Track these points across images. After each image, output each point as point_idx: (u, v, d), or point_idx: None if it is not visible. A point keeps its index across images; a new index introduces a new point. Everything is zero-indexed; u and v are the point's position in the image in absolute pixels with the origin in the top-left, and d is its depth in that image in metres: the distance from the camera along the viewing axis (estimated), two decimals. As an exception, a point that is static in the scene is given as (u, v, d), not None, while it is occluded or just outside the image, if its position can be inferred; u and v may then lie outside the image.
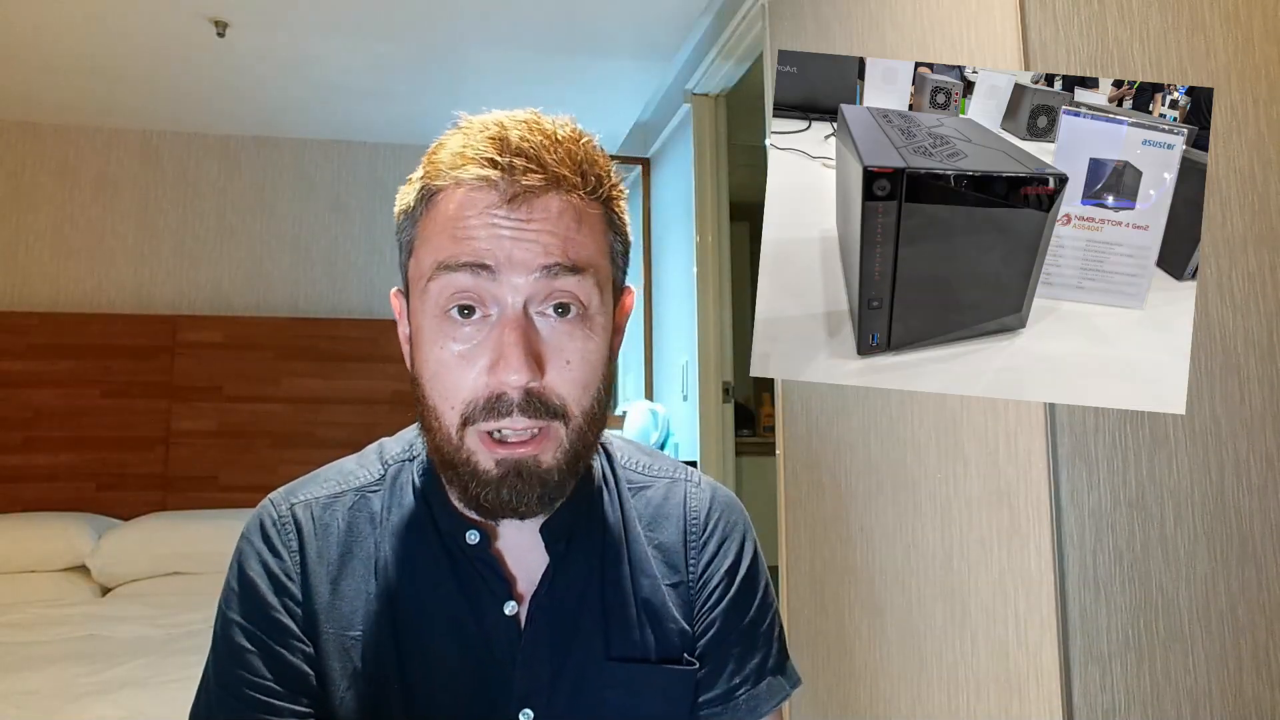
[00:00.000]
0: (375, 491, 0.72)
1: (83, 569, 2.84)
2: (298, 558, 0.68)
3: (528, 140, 0.61)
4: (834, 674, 1.73)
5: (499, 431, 0.61)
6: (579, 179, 0.62)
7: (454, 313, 0.61)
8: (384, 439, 0.78)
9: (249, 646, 0.65)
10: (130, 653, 2.12)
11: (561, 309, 0.61)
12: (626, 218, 0.69)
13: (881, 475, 1.58)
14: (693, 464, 2.90)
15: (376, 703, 0.66)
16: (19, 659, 2.05)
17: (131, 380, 3.28)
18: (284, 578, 0.67)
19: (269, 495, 0.72)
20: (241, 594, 0.68)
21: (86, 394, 3.23)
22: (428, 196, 0.63)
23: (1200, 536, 1.14)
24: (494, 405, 0.60)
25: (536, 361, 0.60)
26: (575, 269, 0.61)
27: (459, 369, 0.61)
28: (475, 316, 0.61)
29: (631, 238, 0.70)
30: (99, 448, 3.23)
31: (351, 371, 3.43)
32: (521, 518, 0.64)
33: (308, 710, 0.65)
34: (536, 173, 0.60)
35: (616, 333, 0.70)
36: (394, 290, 0.70)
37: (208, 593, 2.70)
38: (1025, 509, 1.17)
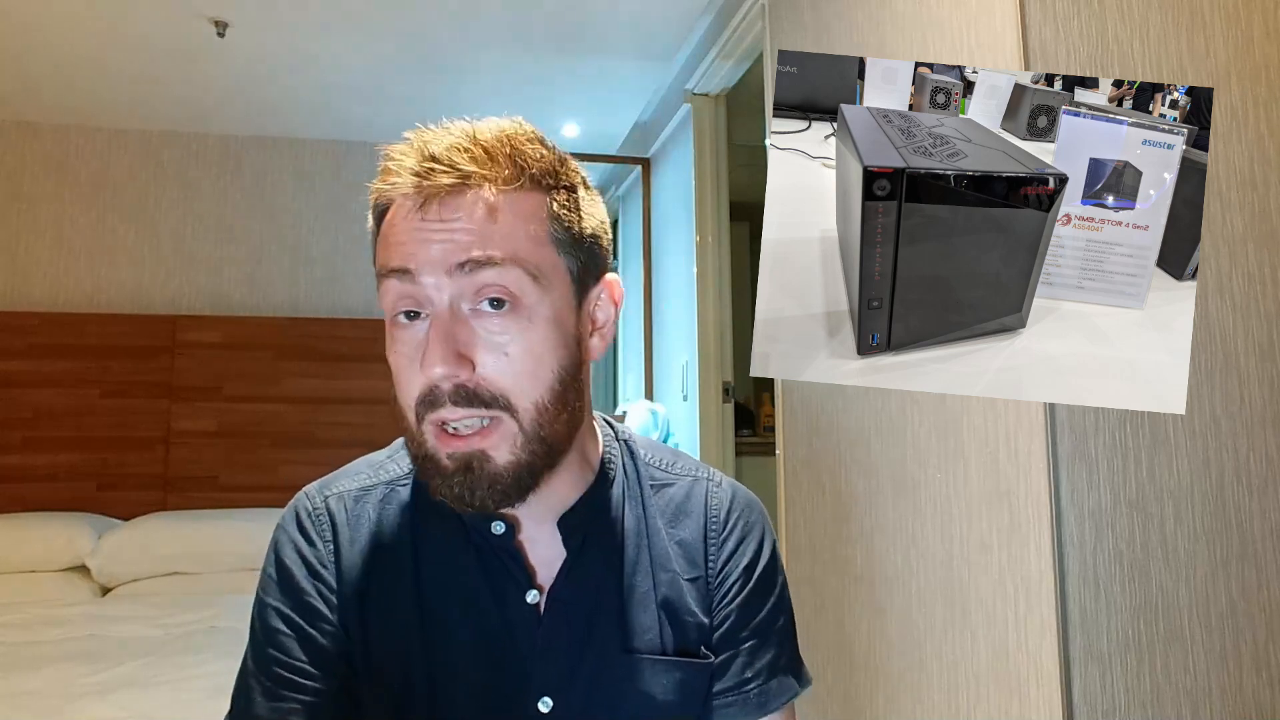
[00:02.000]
0: (404, 485, 0.74)
1: (83, 569, 2.84)
2: (331, 546, 0.71)
3: (441, 144, 0.63)
4: (834, 674, 1.73)
5: (447, 424, 0.63)
6: (496, 173, 0.63)
7: (400, 317, 0.64)
8: None
9: (284, 629, 0.68)
10: (130, 653, 2.12)
11: (496, 303, 0.62)
12: (578, 203, 0.68)
13: (881, 475, 1.58)
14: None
15: (403, 687, 0.68)
16: (19, 659, 2.05)
17: (131, 380, 3.28)
18: (318, 565, 0.70)
19: (304, 488, 0.75)
20: (278, 580, 0.70)
21: (86, 394, 3.23)
22: (377, 214, 0.67)
23: (1200, 536, 1.14)
24: (429, 398, 0.62)
25: (459, 356, 0.61)
26: (492, 262, 0.61)
27: (407, 369, 0.64)
28: (419, 318, 0.63)
29: (590, 224, 0.68)
30: (99, 448, 3.23)
31: (351, 371, 3.44)
32: (484, 511, 0.65)
33: (339, 690, 0.67)
34: (447, 173, 0.62)
35: (597, 327, 0.70)
36: None
37: (208, 593, 2.71)
38: (1025, 509, 1.17)
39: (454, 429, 0.63)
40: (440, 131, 0.65)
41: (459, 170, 0.62)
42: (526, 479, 0.64)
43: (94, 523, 2.94)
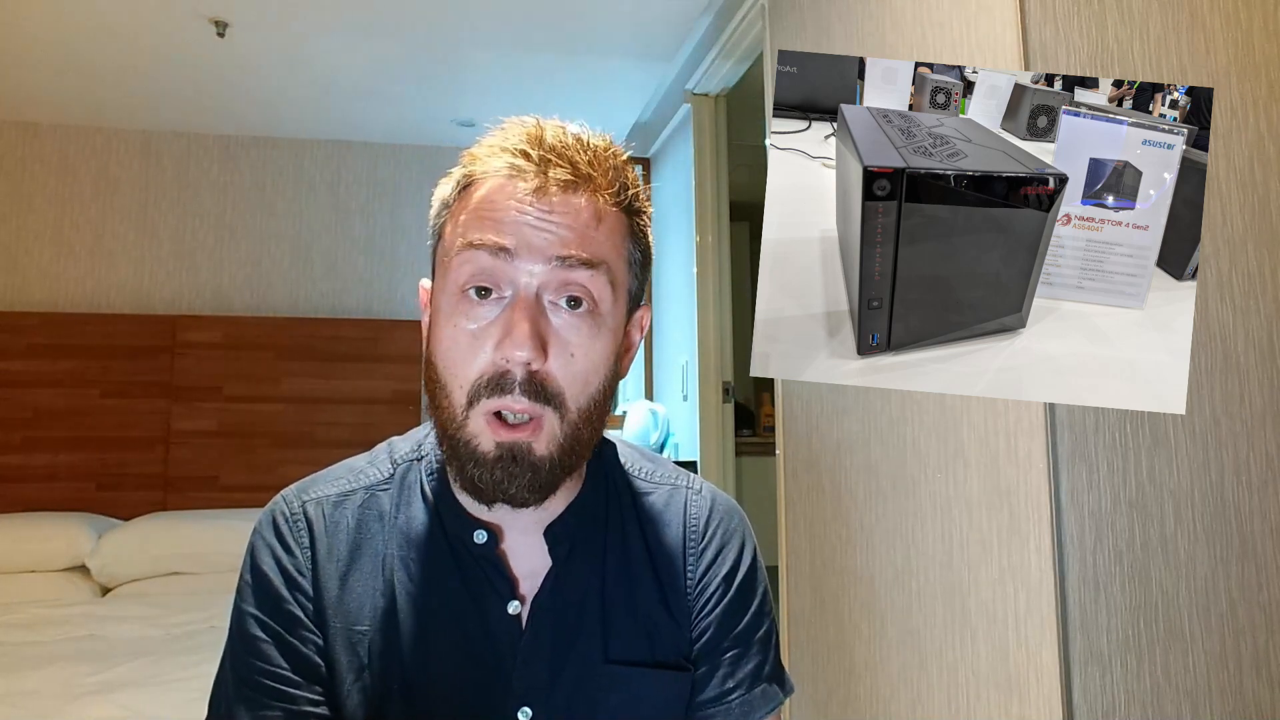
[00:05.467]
0: (385, 490, 0.73)
1: (83, 569, 2.84)
2: (309, 554, 0.70)
3: (560, 140, 0.65)
4: (834, 674, 1.73)
5: (505, 412, 0.63)
6: (605, 182, 0.66)
7: (471, 292, 0.63)
8: (393, 438, 0.79)
9: (263, 636, 0.67)
10: (130, 653, 2.12)
11: (573, 301, 0.64)
12: (650, 232, 0.71)
13: (881, 475, 1.58)
14: (692, 464, 2.89)
15: (381, 696, 0.68)
16: (19, 659, 2.05)
17: (131, 380, 3.28)
18: (295, 573, 0.69)
19: (281, 492, 0.74)
20: (255, 587, 0.70)
21: (86, 394, 3.23)
22: (464, 185, 0.67)
23: (1200, 536, 1.14)
24: (499, 382, 0.62)
25: (541, 344, 0.62)
26: (589, 263, 0.63)
27: (469, 347, 0.63)
28: (490, 297, 0.63)
29: (650, 252, 0.72)
30: (99, 448, 3.23)
31: (351, 371, 3.43)
32: (512, 503, 0.65)
33: (320, 698, 0.67)
34: (565, 169, 0.64)
35: (629, 349, 0.72)
36: (422, 282, 0.73)
37: (208, 593, 2.71)
38: (1025, 509, 1.17)
39: (504, 418, 0.63)
40: (546, 122, 0.67)
41: (578, 170, 0.64)
42: (558, 475, 0.65)
43: (94, 523, 2.94)
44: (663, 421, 3.11)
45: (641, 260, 0.70)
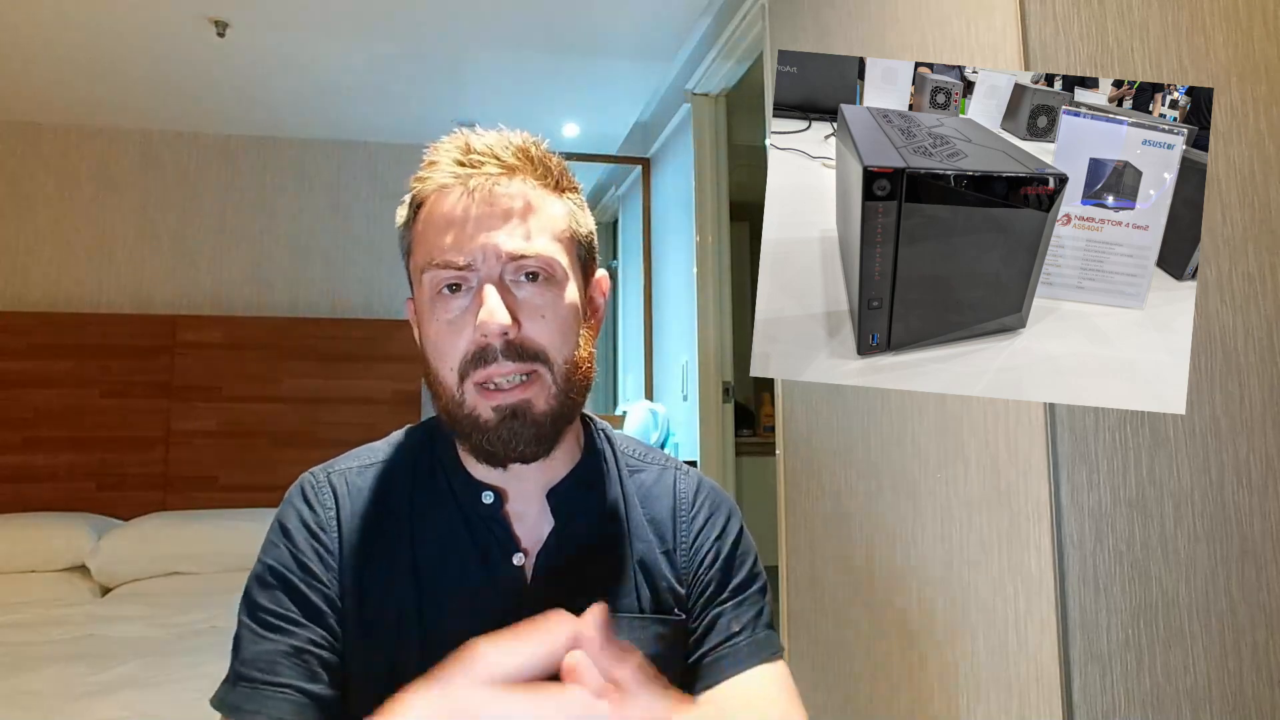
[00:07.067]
0: (401, 463, 0.82)
1: (83, 569, 2.84)
2: (333, 514, 0.77)
3: (485, 143, 0.74)
4: (834, 674, 1.73)
5: (491, 382, 0.71)
6: (531, 168, 0.74)
7: (445, 291, 0.72)
8: (408, 425, 0.87)
9: (274, 582, 0.74)
10: (130, 653, 2.12)
11: (531, 275, 0.72)
12: (583, 207, 0.80)
13: (881, 475, 1.58)
14: (692, 464, 2.89)
15: (395, 645, 0.74)
16: (19, 659, 2.05)
17: (131, 380, 3.28)
18: (317, 528, 0.76)
19: (308, 470, 0.82)
20: (275, 540, 0.76)
21: (86, 394, 3.23)
22: (416, 206, 0.76)
23: (1200, 536, 1.14)
24: (481, 355, 0.70)
25: (512, 314, 0.70)
26: (535, 242, 0.72)
27: (451, 335, 0.72)
28: (461, 291, 0.72)
29: (590, 225, 0.80)
30: (99, 448, 3.23)
31: (351, 371, 3.44)
32: (522, 459, 0.72)
33: (322, 640, 0.72)
34: (493, 163, 0.73)
35: (595, 311, 0.80)
36: (408, 299, 0.80)
37: (208, 593, 2.71)
38: (1025, 509, 1.17)
39: (497, 384, 0.70)
40: (472, 134, 0.76)
41: (504, 162, 0.73)
42: (560, 425, 0.73)
43: (94, 523, 2.94)
44: (663, 421, 3.11)
45: (583, 234, 0.78)
